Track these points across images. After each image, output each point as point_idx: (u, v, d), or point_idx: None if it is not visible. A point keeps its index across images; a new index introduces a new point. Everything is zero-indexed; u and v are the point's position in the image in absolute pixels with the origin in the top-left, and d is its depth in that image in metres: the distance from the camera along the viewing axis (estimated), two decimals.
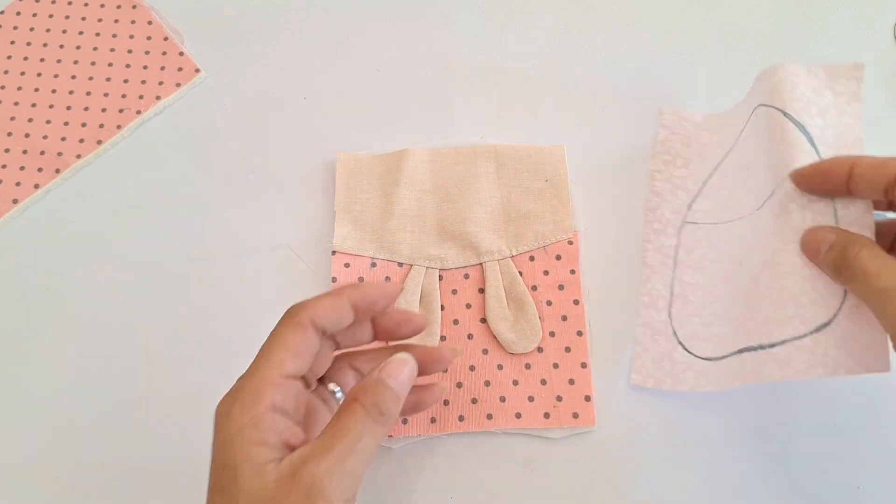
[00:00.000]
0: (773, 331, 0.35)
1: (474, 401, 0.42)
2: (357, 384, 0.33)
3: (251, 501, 0.29)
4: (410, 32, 0.55)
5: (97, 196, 0.50)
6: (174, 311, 0.46)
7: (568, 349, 0.43)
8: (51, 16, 0.55)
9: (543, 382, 0.43)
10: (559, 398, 0.42)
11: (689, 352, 0.41)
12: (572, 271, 0.45)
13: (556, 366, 0.43)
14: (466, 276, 0.46)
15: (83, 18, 0.55)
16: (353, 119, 0.51)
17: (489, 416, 0.42)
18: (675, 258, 0.45)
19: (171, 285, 0.47)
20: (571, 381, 0.43)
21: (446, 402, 0.42)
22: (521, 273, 0.45)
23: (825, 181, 0.34)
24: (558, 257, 0.46)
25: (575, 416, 0.42)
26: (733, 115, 0.44)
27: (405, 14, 0.55)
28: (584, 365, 0.43)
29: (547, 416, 0.42)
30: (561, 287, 0.45)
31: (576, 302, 0.44)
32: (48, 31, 0.55)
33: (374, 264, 0.46)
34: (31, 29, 0.55)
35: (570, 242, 0.46)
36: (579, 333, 0.44)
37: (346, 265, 0.46)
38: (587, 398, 0.42)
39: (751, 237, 0.38)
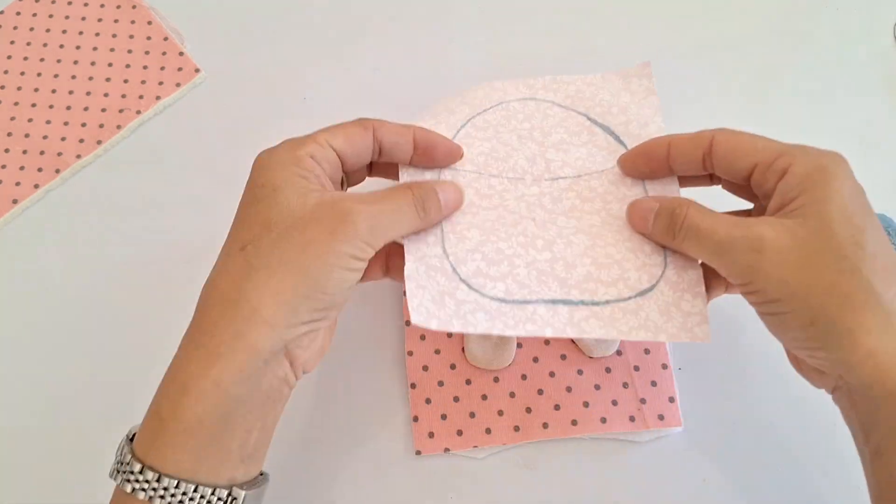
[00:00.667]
0: (596, 289, 0.36)
1: (557, 407, 0.42)
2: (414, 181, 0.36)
3: (286, 214, 0.31)
4: (410, 32, 0.55)
5: (97, 196, 0.50)
6: (175, 311, 0.46)
7: (647, 351, 0.43)
8: (51, 16, 0.55)
9: (625, 385, 0.42)
10: (643, 400, 0.41)
11: (476, 290, 0.36)
12: None
13: (636, 368, 0.43)
14: None
15: (83, 18, 0.55)
16: (353, 119, 0.51)
17: (574, 423, 0.41)
18: None
19: (171, 285, 0.47)
20: (654, 383, 0.42)
21: (528, 410, 0.42)
22: None
23: (649, 160, 0.36)
24: None
25: (661, 417, 0.41)
26: (478, 94, 0.43)
27: (405, 14, 0.55)
28: (664, 366, 0.43)
29: (632, 419, 0.41)
30: None
31: None
32: (48, 31, 0.55)
33: None
34: (31, 29, 0.55)
35: None
36: None
37: None
38: (671, 399, 0.41)
39: (546, 205, 0.38)
